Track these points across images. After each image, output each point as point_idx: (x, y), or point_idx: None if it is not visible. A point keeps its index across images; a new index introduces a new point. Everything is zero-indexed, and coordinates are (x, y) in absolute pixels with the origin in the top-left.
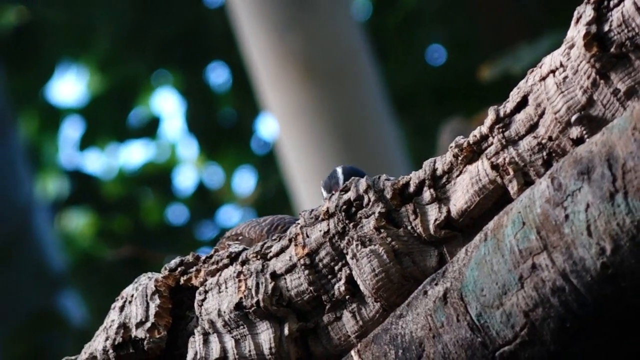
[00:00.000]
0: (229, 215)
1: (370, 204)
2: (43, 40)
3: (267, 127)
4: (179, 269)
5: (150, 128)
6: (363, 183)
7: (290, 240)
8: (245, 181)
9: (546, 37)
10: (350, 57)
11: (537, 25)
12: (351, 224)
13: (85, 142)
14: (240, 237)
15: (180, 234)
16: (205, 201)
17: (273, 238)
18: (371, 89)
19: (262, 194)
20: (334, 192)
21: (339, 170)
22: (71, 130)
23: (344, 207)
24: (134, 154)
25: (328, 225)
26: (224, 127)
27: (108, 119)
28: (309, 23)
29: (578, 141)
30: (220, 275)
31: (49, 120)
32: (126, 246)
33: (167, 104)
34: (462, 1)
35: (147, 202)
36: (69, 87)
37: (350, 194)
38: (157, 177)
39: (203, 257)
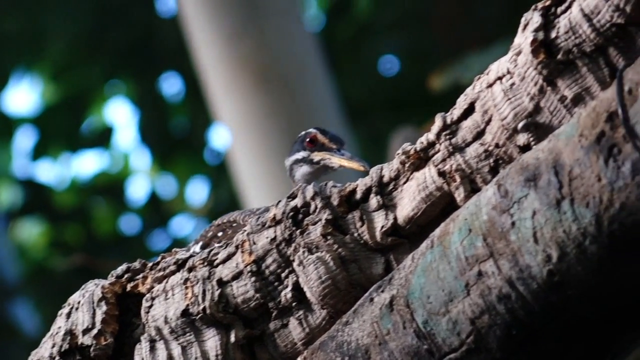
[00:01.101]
0: (182, 225)
1: (317, 210)
2: None
3: (220, 137)
4: (126, 275)
5: (103, 138)
6: (310, 190)
7: (236, 247)
8: (198, 191)
9: (497, 46)
10: (303, 66)
11: (490, 35)
12: (298, 231)
13: (38, 152)
14: (234, 224)
15: (132, 243)
16: (158, 211)
17: (219, 245)
18: (324, 98)
19: (215, 203)
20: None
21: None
22: (24, 140)
23: (291, 213)
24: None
25: (275, 232)
26: (176, 137)
27: (61, 129)
28: (261, 32)
29: (525, 148)
30: (167, 282)
31: (2, 130)
32: (77, 255)
33: (120, 114)
34: (415, 12)
35: (100, 211)
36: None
37: (297, 201)
38: (110, 186)
39: (150, 264)
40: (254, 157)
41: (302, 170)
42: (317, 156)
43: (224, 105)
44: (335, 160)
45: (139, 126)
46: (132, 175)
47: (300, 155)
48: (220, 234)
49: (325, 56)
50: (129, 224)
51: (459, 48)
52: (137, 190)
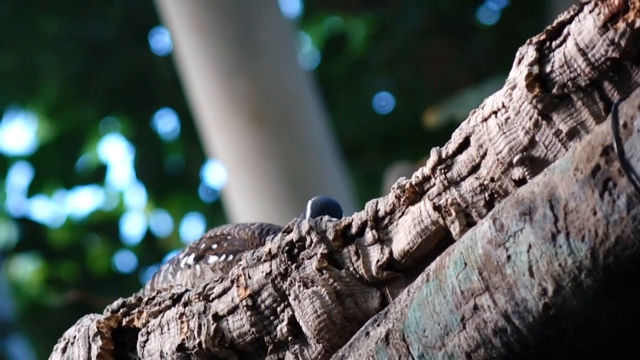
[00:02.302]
0: None
1: (313, 245)
2: None
3: (215, 174)
4: (121, 310)
5: (98, 175)
6: (305, 224)
7: (232, 282)
8: (193, 228)
9: (492, 82)
10: (297, 104)
11: (483, 71)
12: (293, 265)
13: (33, 189)
14: (229, 237)
15: (128, 280)
16: (153, 248)
17: (215, 279)
18: (318, 136)
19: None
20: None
21: (309, 203)
22: (19, 177)
23: (287, 248)
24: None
25: (270, 266)
26: (171, 174)
27: (56, 166)
28: (255, 70)
29: (520, 182)
30: (162, 316)
31: None
32: (72, 291)
33: (115, 151)
34: (408, 49)
35: (95, 249)
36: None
37: (293, 235)
38: (105, 224)
39: (145, 299)
40: (249, 194)
41: None
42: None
43: (218, 143)
44: None
45: (134, 163)
46: (127, 212)
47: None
48: (214, 246)
49: (319, 93)
50: (124, 261)
51: (451, 84)
52: (132, 227)
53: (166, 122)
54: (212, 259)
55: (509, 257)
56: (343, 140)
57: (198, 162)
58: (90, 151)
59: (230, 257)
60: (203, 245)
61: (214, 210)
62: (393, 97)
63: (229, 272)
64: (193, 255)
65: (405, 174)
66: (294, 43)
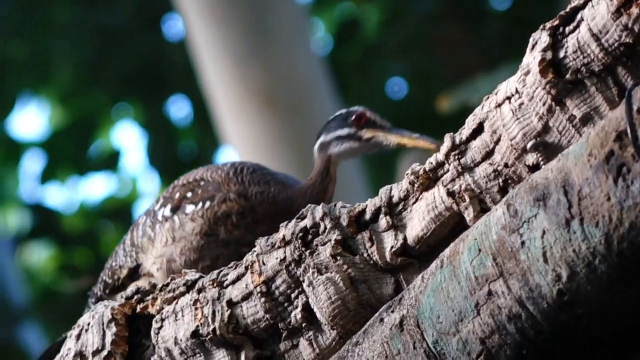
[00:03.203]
0: None
1: (327, 231)
2: (3, 74)
3: (228, 159)
4: (136, 297)
5: (111, 161)
6: (319, 210)
7: (246, 268)
8: None
9: (505, 68)
10: (310, 89)
11: (495, 57)
12: (307, 252)
13: (46, 176)
14: (202, 183)
15: None
16: None
17: (229, 266)
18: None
19: None
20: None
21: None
22: (32, 164)
23: (300, 234)
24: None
25: (284, 252)
26: (184, 160)
27: (69, 153)
28: (268, 56)
29: (534, 168)
30: (176, 303)
31: (10, 154)
32: (86, 277)
33: (128, 138)
34: (421, 35)
35: (108, 235)
36: (29, 120)
37: (307, 221)
38: (118, 210)
39: (159, 285)
40: None
41: (346, 146)
42: (367, 133)
43: (231, 128)
44: (393, 138)
45: (147, 149)
46: (140, 198)
47: (344, 131)
48: (189, 194)
49: (332, 79)
50: None
51: (463, 69)
52: None
53: (179, 108)
54: (189, 208)
55: (523, 242)
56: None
57: (211, 147)
58: (103, 137)
59: (208, 203)
60: (177, 194)
61: None
62: (406, 83)
63: (209, 219)
64: (169, 206)
65: (419, 160)
66: (307, 29)
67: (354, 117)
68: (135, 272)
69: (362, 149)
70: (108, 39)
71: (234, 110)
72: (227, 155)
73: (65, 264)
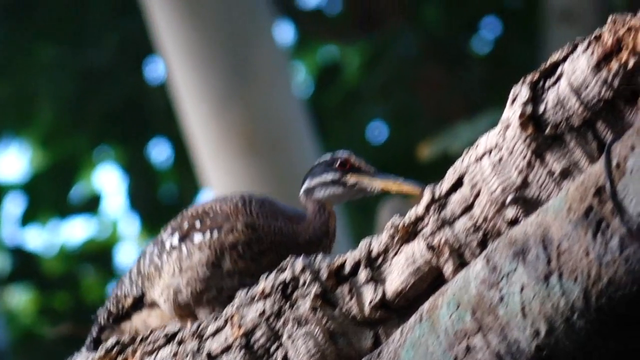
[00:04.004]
0: None
1: (306, 284)
2: None
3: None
4: (115, 348)
5: (91, 204)
6: (299, 263)
7: (226, 321)
8: None
9: (485, 115)
10: (291, 132)
11: (476, 100)
12: (287, 305)
13: (27, 218)
14: (211, 213)
15: None
16: None
17: (209, 318)
18: (311, 165)
19: None
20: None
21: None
22: (13, 207)
23: (280, 287)
24: (76, 231)
25: (264, 305)
26: (165, 203)
27: (50, 195)
28: (249, 99)
29: (513, 222)
30: (156, 355)
31: None
32: (65, 323)
33: (109, 180)
34: (402, 77)
35: (88, 279)
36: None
37: (287, 274)
38: (99, 253)
39: (139, 337)
40: None
41: (330, 191)
42: (352, 178)
43: (212, 171)
44: (377, 184)
45: (128, 192)
46: (120, 241)
47: (329, 177)
48: (198, 223)
49: (313, 122)
50: None
51: (444, 112)
52: (126, 257)
53: (160, 151)
54: (197, 237)
55: (501, 297)
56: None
57: (192, 190)
58: (84, 180)
59: (215, 233)
60: (186, 224)
61: None
62: (387, 126)
63: (216, 249)
64: (177, 235)
65: (398, 209)
66: (288, 72)
67: (338, 162)
68: (140, 302)
69: (347, 195)
70: (90, 80)
71: (214, 152)
72: (207, 197)
73: (45, 307)
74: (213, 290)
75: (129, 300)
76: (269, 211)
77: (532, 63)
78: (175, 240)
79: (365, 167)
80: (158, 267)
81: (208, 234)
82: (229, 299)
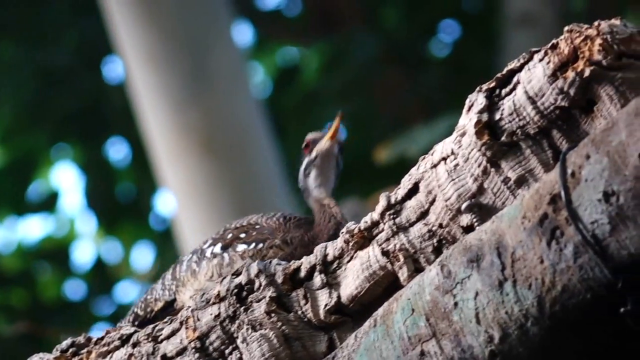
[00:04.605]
0: (127, 291)
1: (262, 288)
2: None
3: (165, 203)
4: (70, 350)
5: (49, 202)
6: (254, 267)
7: (181, 323)
8: (143, 256)
9: (443, 119)
10: (249, 134)
11: (435, 103)
12: (242, 308)
13: None
14: (257, 226)
15: (78, 309)
16: (103, 276)
17: (164, 320)
18: (269, 166)
19: (160, 269)
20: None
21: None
22: None
23: (235, 290)
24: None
25: (219, 308)
26: (122, 202)
27: (7, 193)
28: (207, 100)
29: (468, 229)
30: (111, 357)
31: None
32: (22, 322)
33: (67, 178)
34: (361, 80)
35: (45, 276)
36: None
37: (242, 278)
38: (55, 251)
39: (94, 339)
40: (199, 223)
41: (311, 176)
42: (314, 152)
43: (169, 172)
44: (325, 140)
45: (85, 191)
46: (77, 240)
47: (303, 165)
48: (242, 235)
49: (271, 124)
50: (74, 289)
51: (403, 115)
52: (83, 255)
53: (118, 150)
54: (241, 247)
55: (456, 303)
56: (294, 172)
57: (149, 190)
58: (42, 178)
59: (260, 244)
60: (230, 235)
61: (165, 239)
62: (345, 128)
63: (258, 258)
64: (220, 245)
65: (355, 211)
66: (246, 73)
67: (303, 147)
68: (170, 306)
69: (321, 169)
70: (49, 79)
71: (172, 153)
72: (165, 198)
73: (1, 305)
74: None
75: (160, 304)
76: (297, 224)
77: (491, 67)
78: (217, 248)
79: (320, 134)
80: (195, 272)
81: (253, 245)
82: None
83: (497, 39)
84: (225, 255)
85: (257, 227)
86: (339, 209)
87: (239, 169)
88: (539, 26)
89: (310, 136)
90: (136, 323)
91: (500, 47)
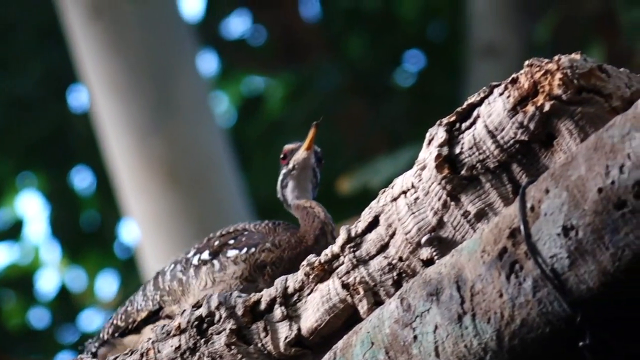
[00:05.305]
0: (91, 319)
1: (222, 320)
2: None
3: (130, 231)
4: None
5: (14, 230)
6: (215, 299)
7: (141, 355)
8: (107, 285)
9: (406, 150)
10: (213, 163)
11: (399, 135)
12: (202, 340)
13: None
14: (246, 232)
15: (42, 337)
16: (68, 304)
17: (125, 352)
18: (233, 196)
19: (124, 297)
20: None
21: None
22: None
23: (196, 322)
24: None
25: (179, 340)
26: (87, 230)
27: None
28: (171, 129)
29: (428, 262)
30: None
31: None
32: None
33: (31, 206)
34: (325, 110)
35: (10, 304)
36: None
37: (202, 310)
38: (20, 279)
39: None
40: (163, 252)
41: (289, 187)
42: (291, 162)
43: (133, 201)
44: (301, 150)
45: (50, 219)
46: (42, 268)
47: (281, 175)
48: (231, 241)
49: (235, 153)
50: (38, 318)
51: (366, 146)
52: (47, 283)
53: (82, 179)
54: (232, 252)
55: (415, 337)
56: (258, 201)
57: (113, 219)
58: (7, 206)
59: (253, 249)
60: (217, 242)
61: (129, 267)
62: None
63: (251, 264)
64: (207, 252)
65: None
66: (211, 103)
67: (281, 159)
68: (154, 315)
69: (298, 180)
70: (14, 107)
71: (136, 183)
72: (130, 227)
73: None
74: None
75: (143, 314)
76: (284, 229)
77: (456, 97)
78: (205, 255)
79: (296, 145)
80: (182, 282)
81: (245, 250)
82: None
83: (462, 69)
84: (215, 262)
85: (246, 233)
86: (321, 209)
87: (203, 198)
88: (504, 56)
89: (287, 147)
90: (116, 335)
91: (464, 77)
